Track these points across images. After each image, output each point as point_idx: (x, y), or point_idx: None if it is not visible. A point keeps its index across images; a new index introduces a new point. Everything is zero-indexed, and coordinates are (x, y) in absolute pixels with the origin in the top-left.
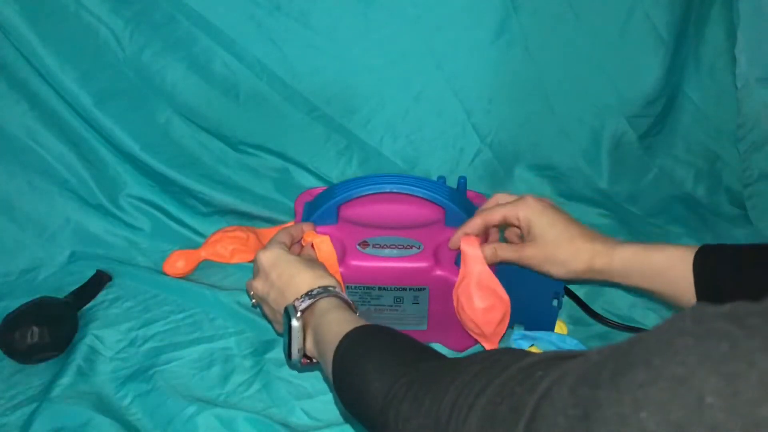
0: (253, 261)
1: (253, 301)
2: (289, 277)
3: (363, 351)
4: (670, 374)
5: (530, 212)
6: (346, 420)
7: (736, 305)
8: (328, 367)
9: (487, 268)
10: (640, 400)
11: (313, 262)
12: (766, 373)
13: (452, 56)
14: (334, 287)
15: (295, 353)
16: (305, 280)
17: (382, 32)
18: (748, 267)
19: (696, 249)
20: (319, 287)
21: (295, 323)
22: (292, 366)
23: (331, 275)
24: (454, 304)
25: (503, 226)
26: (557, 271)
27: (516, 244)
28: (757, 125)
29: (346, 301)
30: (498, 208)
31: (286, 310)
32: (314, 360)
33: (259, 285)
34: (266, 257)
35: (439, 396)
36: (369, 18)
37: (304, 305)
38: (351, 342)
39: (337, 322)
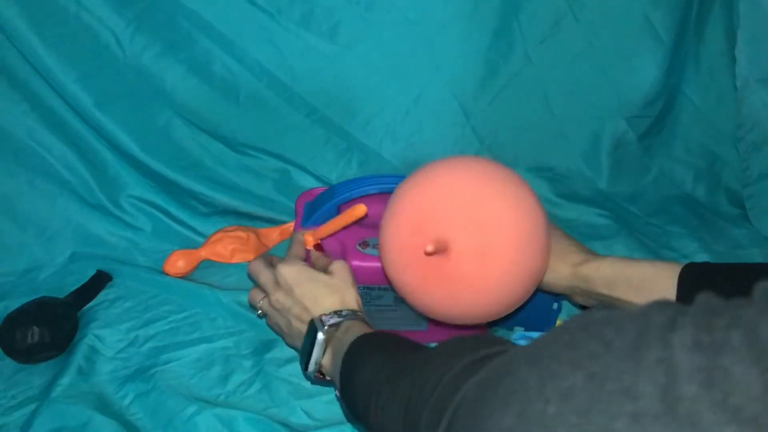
0: (256, 272)
1: (260, 312)
2: (314, 297)
3: (362, 353)
4: (530, 384)
5: None
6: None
7: (607, 314)
8: (338, 376)
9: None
10: (504, 408)
11: (338, 283)
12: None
13: (451, 58)
14: (361, 311)
15: (312, 365)
16: (332, 301)
17: (382, 35)
18: (730, 284)
19: (683, 264)
20: (348, 309)
21: (321, 336)
22: (307, 377)
23: (356, 295)
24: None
25: None
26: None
27: None
28: (756, 125)
29: (368, 324)
30: None
31: (312, 322)
32: (327, 378)
33: (281, 298)
34: (290, 272)
35: (408, 385)
36: (368, 20)
37: (332, 321)
38: (354, 347)
39: (354, 335)
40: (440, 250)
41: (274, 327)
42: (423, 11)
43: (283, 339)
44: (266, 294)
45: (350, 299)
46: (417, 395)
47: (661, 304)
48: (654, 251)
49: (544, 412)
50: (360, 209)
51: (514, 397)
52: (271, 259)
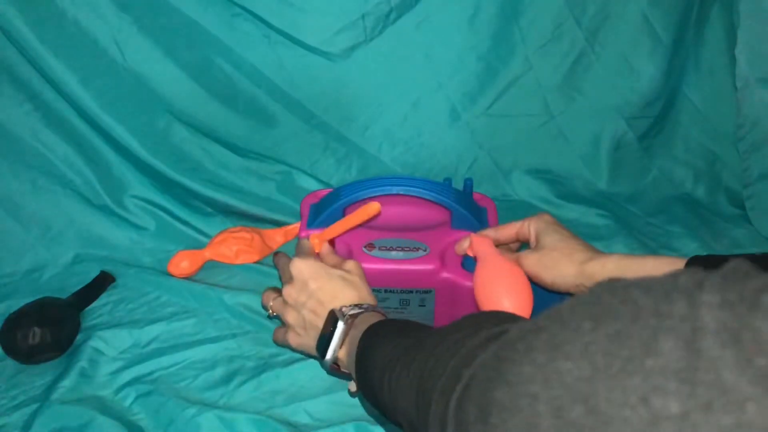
0: (281, 265)
1: (270, 312)
2: (332, 291)
3: (376, 334)
4: (551, 341)
5: (542, 224)
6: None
7: (634, 278)
8: (353, 364)
9: (507, 259)
10: (524, 364)
11: (355, 279)
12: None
13: (450, 63)
14: (378, 307)
15: (330, 353)
16: (349, 296)
17: (380, 39)
18: None
19: (688, 257)
20: (367, 304)
21: (341, 324)
22: (323, 366)
23: (371, 293)
24: (479, 303)
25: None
26: (549, 274)
27: (519, 253)
28: (756, 125)
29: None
30: (511, 224)
31: (332, 312)
32: (342, 369)
33: (293, 292)
34: (306, 266)
35: (424, 358)
36: (366, 25)
37: (353, 312)
38: (370, 330)
39: (368, 323)
40: None
41: (277, 334)
42: (421, 15)
43: (288, 343)
44: (278, 294)
45: (367, 295)
46: (432, 368)
47: (690, 269)
48: (654, 251)
49: (562, 367)
50: (373, 207)
51: (533, 353)
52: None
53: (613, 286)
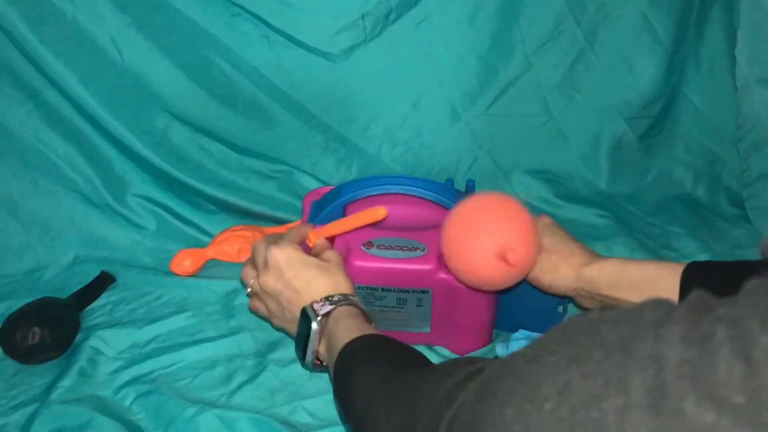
0: (255, 249)
1: (249, 290)
2: (306, 280)
3: (357, 362)
4: (528, 381)
5: (541, 226)
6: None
7: (602, 312)
8: (332, 372)
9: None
10: (505, 405)
11: (330, 267)
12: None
13: (450, 63)
14: (354, 295)
15: (310, 355)
16: (324, 284)
17: (380, 39)
18: (732, 282)
19: (686, 263)
20: (339, 294)
21: (315, 326)
22: (305, 367)
23: (348, 280)
24: (454, 246)
25: None
26: (547, 277)
27: None
28: (756, 125)
29: (362, 310)
30: None
31: (304, 311)
32: (325, 363)
33: (270, 281)
34: (282, 255)
35: (402, 407)
36: (366, 25)
37: (325, 310)
38: (351, 351)
39: (348, 329)
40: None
41: (259, 309)
42: (421, 15)
43: (270, 321)
44: (258, 274)
45: (342, 282)
46: (409, 416)
47: (655, 302)
48: (654, 251)
49: (542, 408)
50: (379, 212)
51: (513, 396)
52: (275, 240)
53: (581, 321)
